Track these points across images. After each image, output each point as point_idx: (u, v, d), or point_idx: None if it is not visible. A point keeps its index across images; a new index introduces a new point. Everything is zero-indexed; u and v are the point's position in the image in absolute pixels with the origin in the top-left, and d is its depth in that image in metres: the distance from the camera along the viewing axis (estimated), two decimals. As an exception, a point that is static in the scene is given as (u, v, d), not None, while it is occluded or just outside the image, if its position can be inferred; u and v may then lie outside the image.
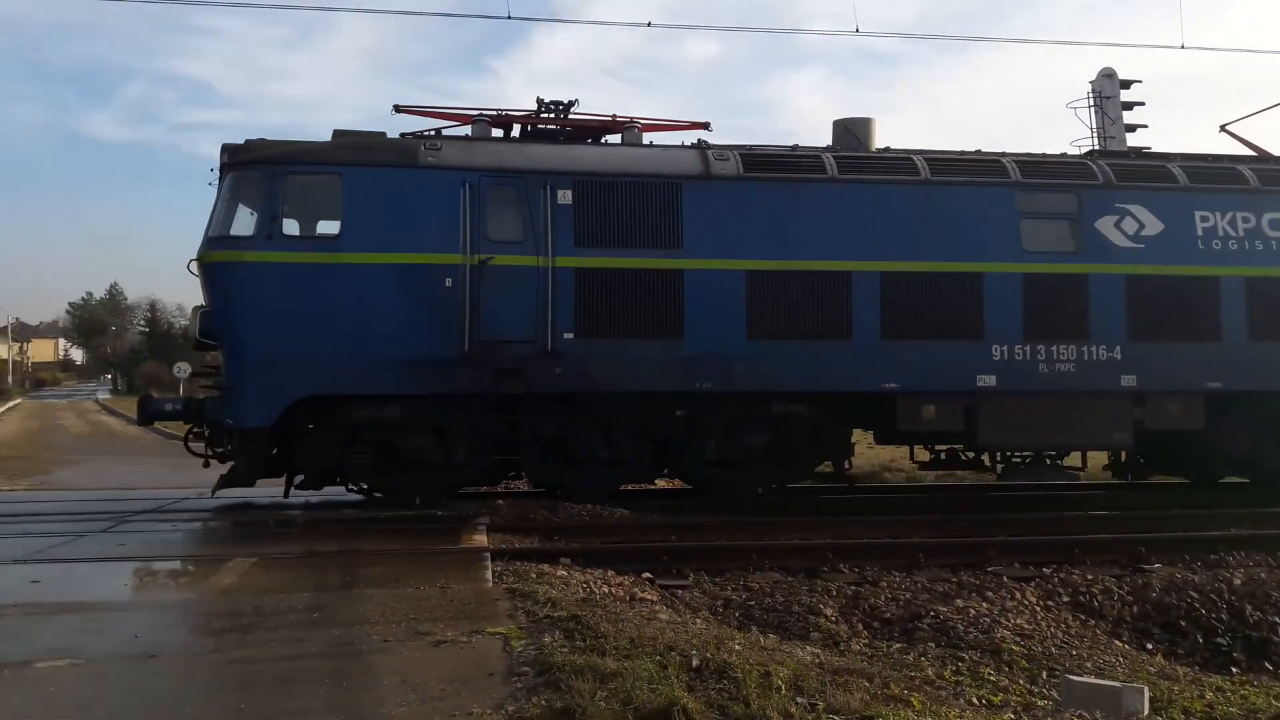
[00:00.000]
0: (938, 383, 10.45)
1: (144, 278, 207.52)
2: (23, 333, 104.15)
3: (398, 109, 10.94)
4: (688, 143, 11.01)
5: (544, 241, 9.91)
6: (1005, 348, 10.54)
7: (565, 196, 10.11)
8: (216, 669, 4.42)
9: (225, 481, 9.93)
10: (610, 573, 6.95)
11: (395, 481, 10.00)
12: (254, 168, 9.90)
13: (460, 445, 9.99)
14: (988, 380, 10.47)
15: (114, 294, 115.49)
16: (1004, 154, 11.30)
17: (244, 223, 9.90)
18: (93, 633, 5.03)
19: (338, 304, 9.59)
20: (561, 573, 6.65)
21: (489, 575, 6.37)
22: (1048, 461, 11.16)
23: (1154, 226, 10.96)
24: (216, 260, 9.71)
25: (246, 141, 10.09)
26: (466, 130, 10.88)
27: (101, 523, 9.13)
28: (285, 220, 10.01)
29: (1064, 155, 11.86)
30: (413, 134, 10.67)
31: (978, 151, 11.46)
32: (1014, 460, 11.22)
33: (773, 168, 10.68)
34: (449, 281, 9.70)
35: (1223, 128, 13.22)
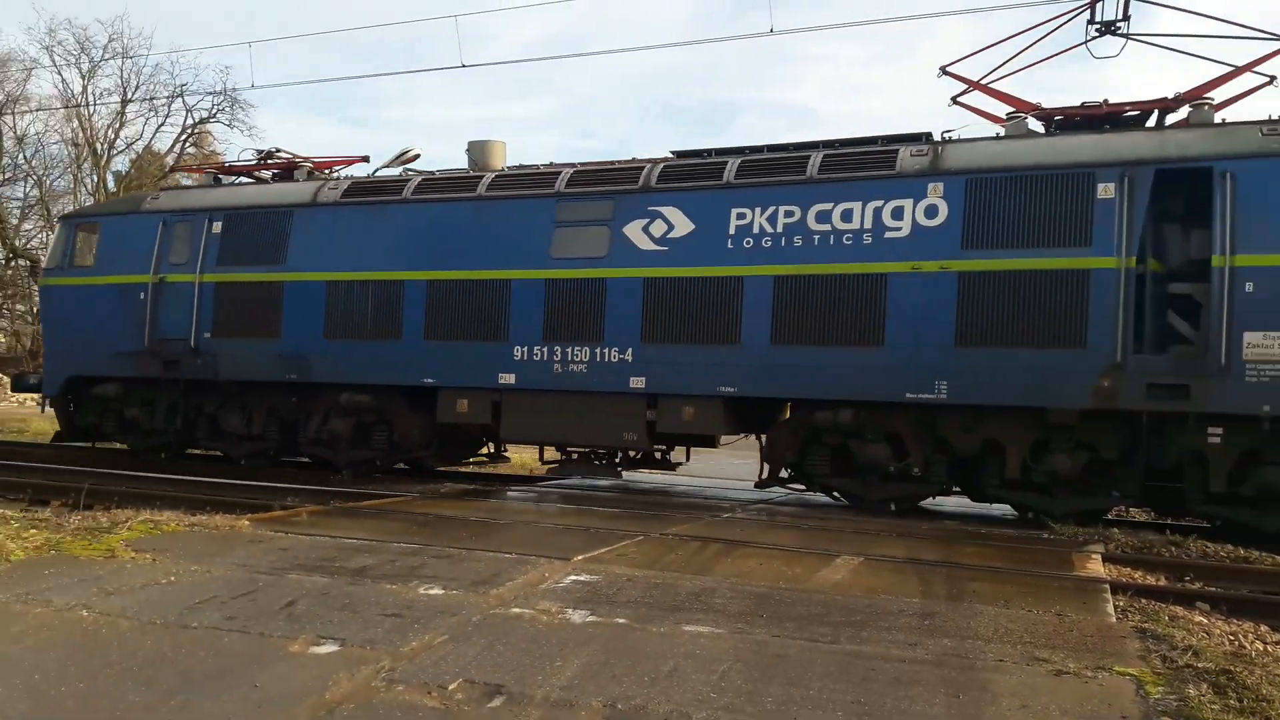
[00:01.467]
0: (469, 379, 11.69)
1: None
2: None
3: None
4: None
5: (197, 263, 13.21)
6: (525, 349, 11.35)
7: (217, 227, 13.25)
8: (836, 659, 4.62)
9: (58, 437, 14.93)
10: (1263, 627, 5.90)
11: (133, 435, 14.22)
12: (60, 221, 16.15)
13: (158, 416, 13.78)
14: (508, 378, 11.42)
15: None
16: (632, 162, 11.77)
17: (55, 259, 14.84)
18: (715, 612, 5.61)
19: (88, 313, 13.87)
20: (1200, 619, 5.81)
21: (1110, 609, 5.80)
22: (596, 461, 11.88)
23: (684, 228, 10.75)
24: (40, 283, 16.30)
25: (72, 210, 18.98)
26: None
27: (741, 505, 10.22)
28: (75, 257, 14.40)
29: (622, 161, 12.00)
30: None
31: (630, 160, 11.92)
32: (570, 455, 12.07)
33: (366, 193, 12.66)
34: (142, 295, 13.50)
35: (944, 70, 10.93)
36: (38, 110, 40.60)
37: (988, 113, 10.71)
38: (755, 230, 10.49)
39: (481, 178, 12.19)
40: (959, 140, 10.53)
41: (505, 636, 4.77)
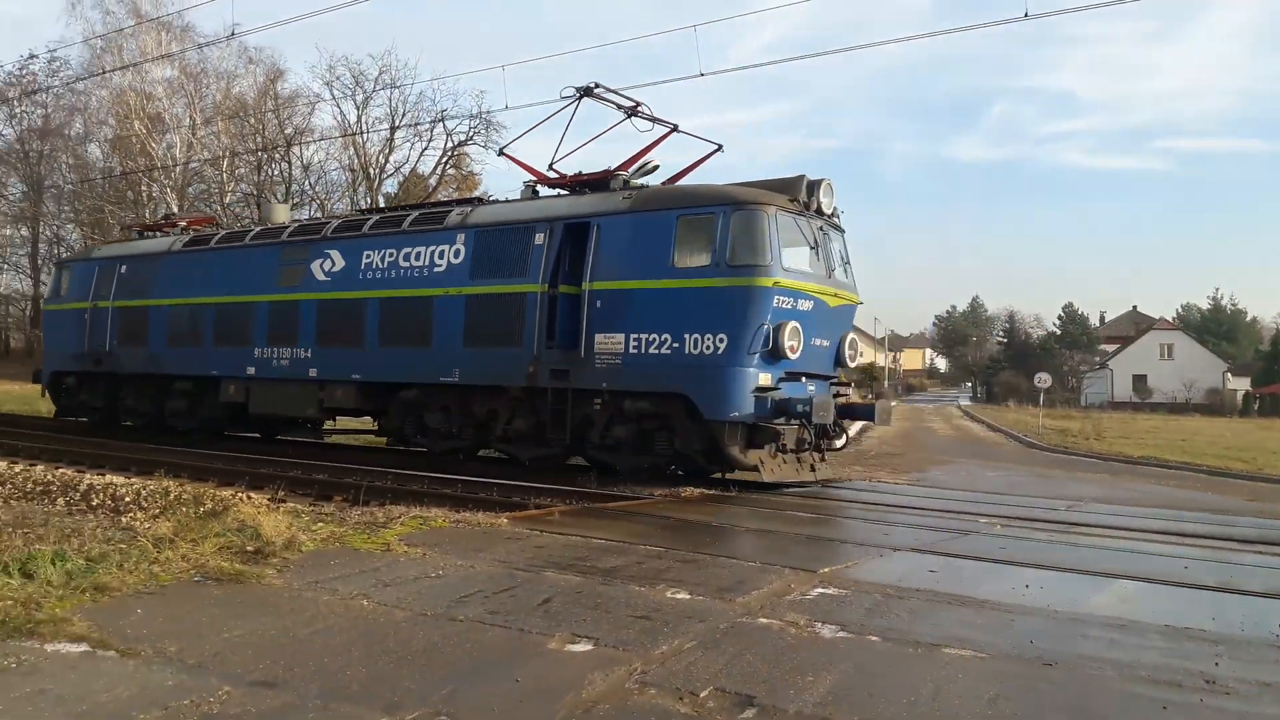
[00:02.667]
0: (235, 371, 16.34)
1: (1003, 290, 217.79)
2: (896, 343, 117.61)
3: None
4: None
5: (110, 294, 18.88)
6: (261, 350, 15.97)
7: (124, 269, 18.80)
8: (1111, 692, 4.22)
9: (57, 414, 20.75)
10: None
11: (82, 411, 20.09)
12: (54, 265, 23.35)
13: (96, 397, 19.51)
14: (251, 370, 16.09)
15: (975, 306, 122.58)
16: None
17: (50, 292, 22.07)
18: (987, 629, 5.27)
19: (61, 329, 19.93)
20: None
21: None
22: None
23: (340, 265, 15.08)
24: (43, 308, 22.02)
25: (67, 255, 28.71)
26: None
27: (981, 523, 9.68)
28: (61, 290, 20.37)
29: (317, 219, 20.18)
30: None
31: (320, 218, 20.69)
32: None
33: (193, 244, 17.96)
34: (86, 316, 19.13)
35: (501, 151, 15.21)
36: (320, 140, 45.14)
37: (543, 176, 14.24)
38: (373, 266, 14.50)
39: (248, 232, 17.48)
40: (488, 202, 15.83)
41: (754, 646, 4.71)
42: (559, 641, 4.74)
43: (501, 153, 15.04)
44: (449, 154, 45.86)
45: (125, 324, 18.40)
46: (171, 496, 10.79)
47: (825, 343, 12.35)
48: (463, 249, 13.45)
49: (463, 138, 44.90)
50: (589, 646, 4.67)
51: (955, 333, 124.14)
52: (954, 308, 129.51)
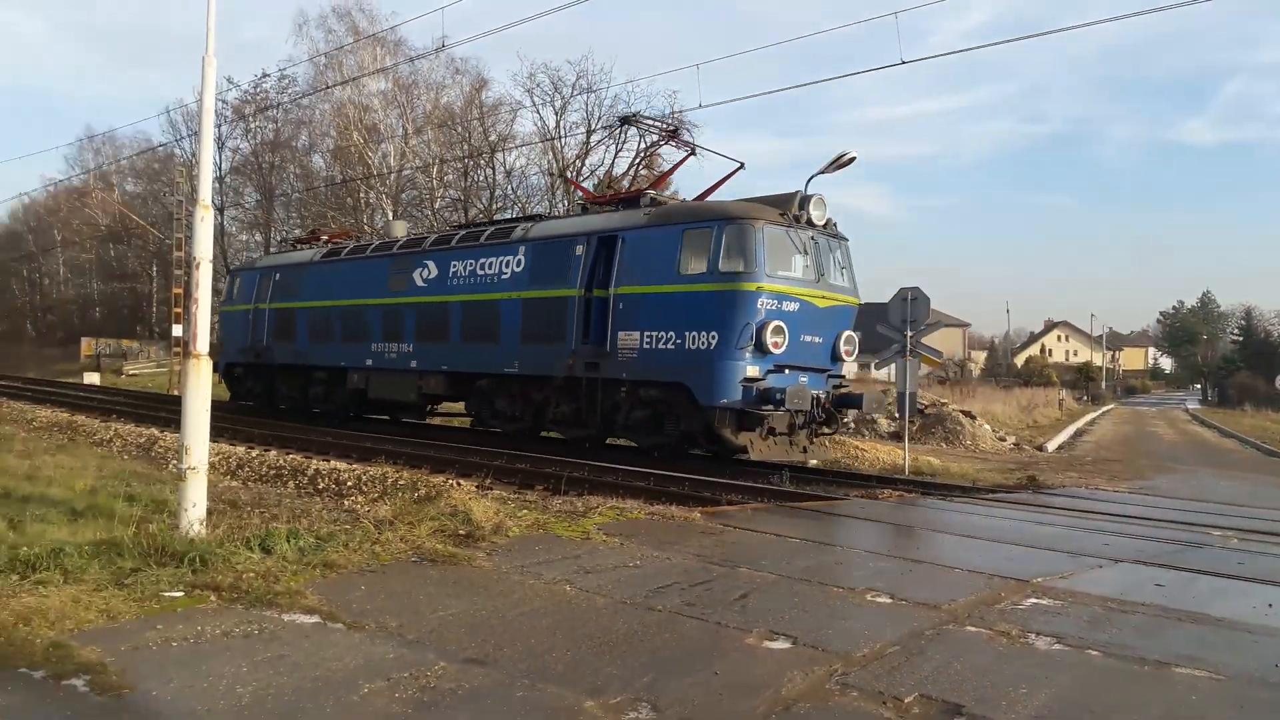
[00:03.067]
0: (357, 362, 19.26)
1: (1239, 285, 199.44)
2: (1114, 341, 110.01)
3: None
4: None
5: (267, 298, 22.41)
6: (377, 345, 18.66)
7: (278, 277, 22.22)
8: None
9: (232, 398, 23.42)
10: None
11: (250, 398, 22.94)
12: (230, 273, 30.01)
13: (259, 385, 22.70)
14: (369, 362, 18.84)
15: (1205, 302, 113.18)
16: None
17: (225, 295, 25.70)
18: (1225, 650, 4.82)
19: (232, 327, 23.22)
20: None
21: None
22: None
23: (433, 273, 17.62)
24: (219, 310, 24.87)
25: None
26: None
27: (1215, 536, 8.89)
28: (234, 294, 23.77)
29: (417, 235, 20.85)
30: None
31: (420, 234, 21.74)
32: None
33: (328, 256, 21.00)
34: (250, 316, 22.37)
35: (563, 174, 25.59)
36: (521, 146, 46.97)
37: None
38: (458, 274, 16.84)
39: (369, 245, 20.34)
40: (546, 218, 18.31)
41: (961, 654, 4.51)
42: (756, 637, 4.71)
43: (563, 175, 17.51)
44: (642, 155, 46.63)
45: (278, 323, 21.66)
46: (389, 482, 11.52)
47: (817, 339, 13.56)
48: (523, 259, 15.65)
49: (655, 138, 45.50)
50: (787, 644, 4.61)
51: (1183, 330, 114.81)
52: (1181, 303, 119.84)
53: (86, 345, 57.40)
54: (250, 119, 57.15)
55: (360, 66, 49.24)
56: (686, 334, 13.03)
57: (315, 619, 4.74)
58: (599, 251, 14.34)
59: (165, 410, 21.02)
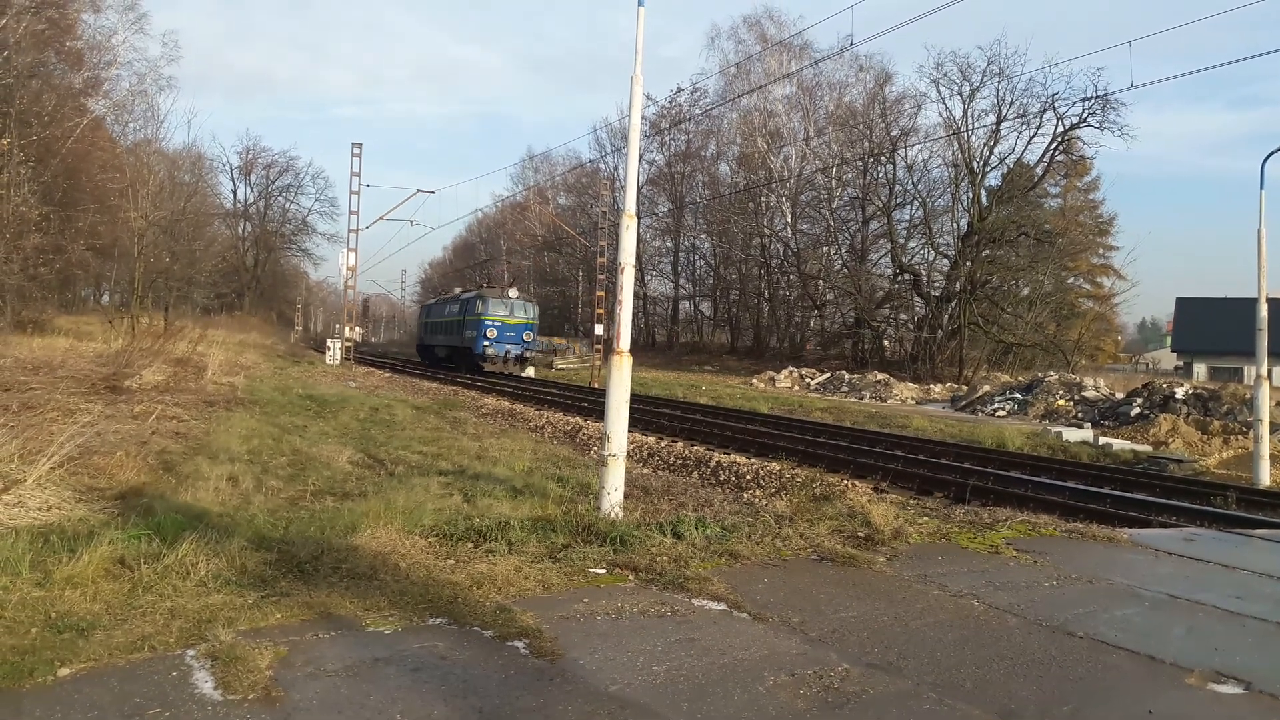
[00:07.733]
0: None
1: None
2: None
3: None
4: None
5: (480, 310, 45.48)
6: (492, 330, 39.91)
7: (431, 301, 66.85)
8: None
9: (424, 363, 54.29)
10: None
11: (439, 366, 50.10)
12: (421, 306, 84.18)
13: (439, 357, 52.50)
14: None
15: None
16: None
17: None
18: None
19: (420, 328, 63.83)
20: None
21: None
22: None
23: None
24: (419, 321, 67.89)
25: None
26: None
27: None
28: (421, 315, 71.09)
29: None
30: None
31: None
32: None
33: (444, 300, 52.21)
34: (424, 319, 64.47)
35: None
36: (925, 140, 45.53)
37: None
38: (450, 311, 46.21)
39: (464, 290, 47.05)
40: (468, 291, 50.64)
41: None
42: (1198, 678, 4.15)
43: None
44: (1058, 140, 43.10)
45: (429, 326, 50.28)
46: (785, 478, 11.74)
47: (513, 334, 38.24)
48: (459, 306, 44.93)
49: (1074, 121, 41.84)
50: (1239, 690, 4.02)
51: None
52: None
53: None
54: (665, 132, 61.23)
55: (766, 73, 50.74)
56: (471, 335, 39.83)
57: (722, 606, 4.95)
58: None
59: (587, 401, 23.22)
